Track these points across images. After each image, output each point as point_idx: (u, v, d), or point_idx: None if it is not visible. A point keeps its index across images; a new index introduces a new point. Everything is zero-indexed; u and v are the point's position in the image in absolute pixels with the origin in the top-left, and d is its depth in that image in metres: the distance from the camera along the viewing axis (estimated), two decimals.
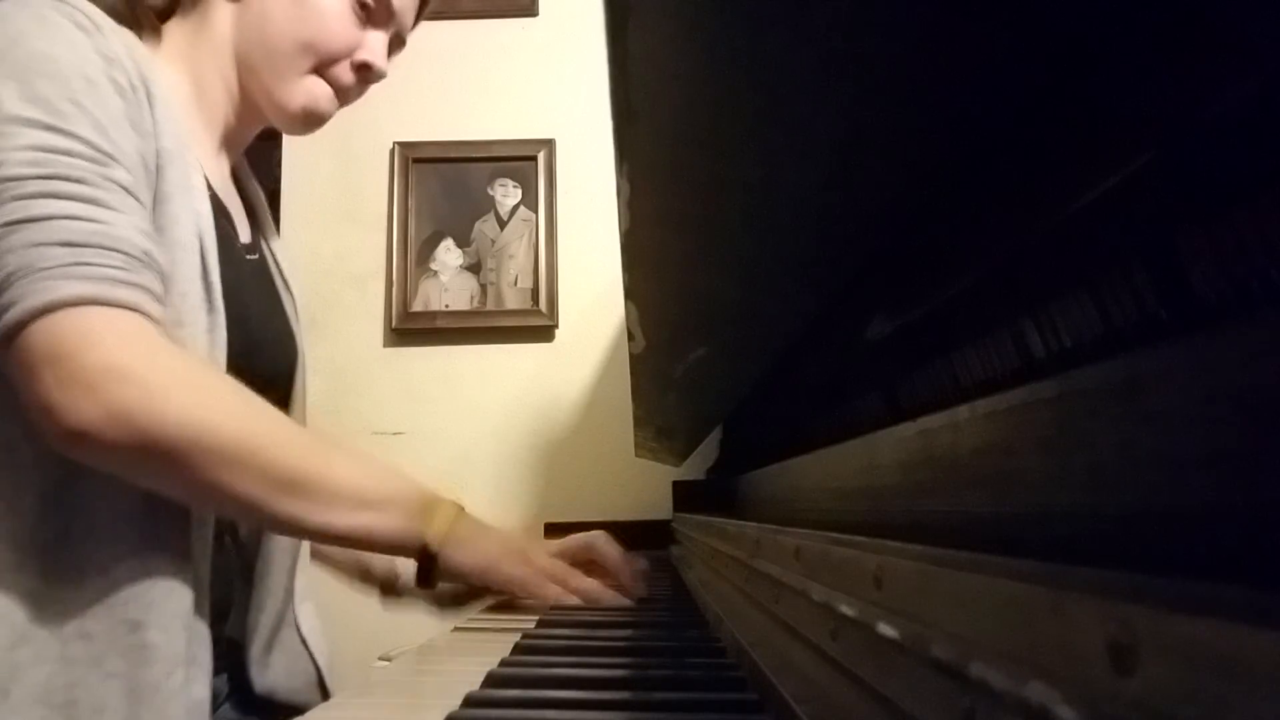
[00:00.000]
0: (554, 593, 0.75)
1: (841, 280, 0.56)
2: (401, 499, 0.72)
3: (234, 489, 0.64)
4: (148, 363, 0.63)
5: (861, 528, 0.35)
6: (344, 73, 0.85)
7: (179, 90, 0.81)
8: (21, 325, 0.60)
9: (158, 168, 0.70)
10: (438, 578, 0.73)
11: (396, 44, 0.91)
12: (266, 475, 0.65)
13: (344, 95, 0.87)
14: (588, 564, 0.79)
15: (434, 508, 0.73)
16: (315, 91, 0.84)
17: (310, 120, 0.86)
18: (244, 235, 0.87)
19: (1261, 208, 0.22)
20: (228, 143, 0.87)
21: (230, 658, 0.79)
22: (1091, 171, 0.29)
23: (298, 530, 0.73)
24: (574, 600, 0.75)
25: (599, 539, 0.80)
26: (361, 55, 0.85)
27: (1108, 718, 0.15)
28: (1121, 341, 0.28)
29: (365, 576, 0.98)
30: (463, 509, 0.75)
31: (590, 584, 0.76)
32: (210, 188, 0.78)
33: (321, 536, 0.73)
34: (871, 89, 0.34)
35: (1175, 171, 0.26)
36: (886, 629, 0.26)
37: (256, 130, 0.90)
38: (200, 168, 0.76)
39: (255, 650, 0.81)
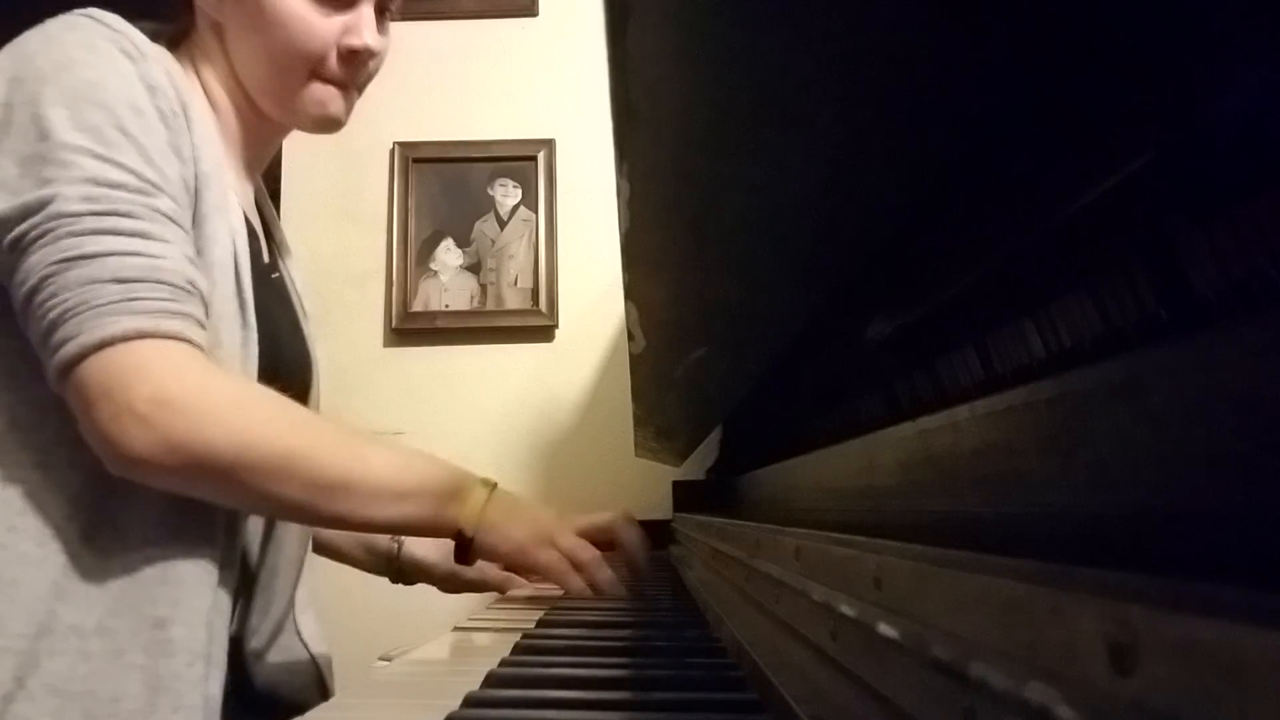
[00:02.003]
0: (576, 585, 0.78)
1: (841, 281, 0.56)
2: (434, 487, 0.75)
3: (283, 498, 0.69)
4: (195, 391, 0.66)
5: (861, 528, 0.35)
6: (336, 66, 0.83)
7: (208, 114, 0.82)
8: (78, 360, 0.63)
9: (196, 190, 0.73)
10: (475, 557, 0.77)
11: (384, 11, 0.87)
12: (312, 482, 0.69)
13: (348, 86, 0.85)
14: (608, 544, 0.83)
15: (466, 492, 0.76)
16: (320, 97, 0.83)
17: (329, 124, 0.85)
18: (265, 255, 0.88)
19: (1261, 208, 0.22)
20: (249, 165, 0.88)
21: (232, 658, 0.79)
22: (1091, 171, 0.29)
23: (346, 525, 0.77)
24: (589, 592, 0.78)
25: (621, 522, 0.84)
26: (345, 41, 0.83)
27: (1108, 718, 0.15)
28: (1121, 341, 0.28)
29: (371, 557, 1.04)
30: (495, 488, 0.78)
31: (608, 577, 0.79)
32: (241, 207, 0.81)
33: (367, 529, 0.80)
34: (871, 89, 0.34)
35: (1175, 171, 0.26)
36: (886, 629, 0.26)
37: (275, 147, 0.92)
38: (234, 187, 0.79)
39: (255, 648, 0.81)
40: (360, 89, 0.87)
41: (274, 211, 0.98)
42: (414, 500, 0.74)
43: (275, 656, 0.83)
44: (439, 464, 0.79)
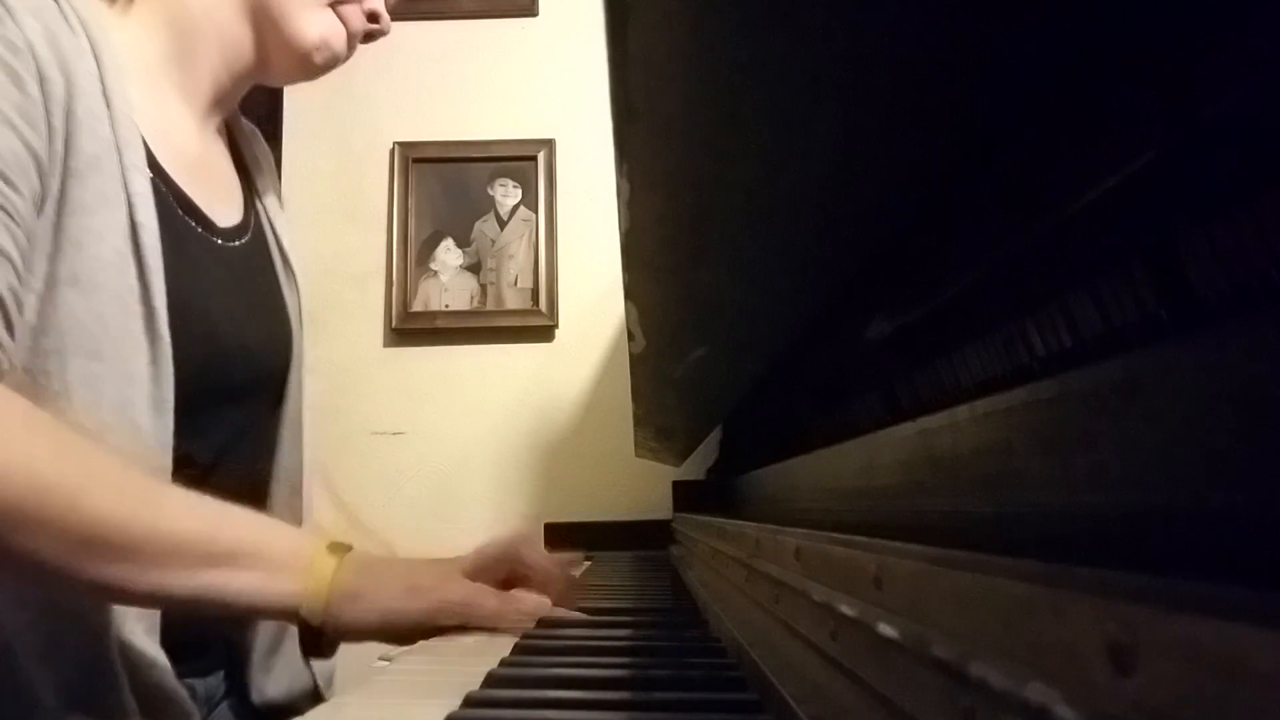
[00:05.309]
0: (487, 612, 0.61)
1: (841, 280, 0.56)
2: (256, 550, 0.59)
3: (29, 555, 0.52)
4: None
5: (861, 528, 0.35)
6: (355, 16, 0.82)
7: (146, 60, 0.74)
8: None
9: (69, 170, 0.62)
10: (330, 645, 0.61)
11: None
12: (66, 533, 0.53)
13: (351, 42, 0.83)
14: (511, 575, 0.67)
15: (310, 559, 0.60)
16: (333, 26, 0.81)
17: (323, 54, 0.81)
18: (228, 218, 0.80)
19: (1261, 208, 0.22)
20: (216, 104, 0.81)
21: (230, 658, 0.79)
22: (1091, 171, 0.29)
23: (124, 597, 0.59)
24: (507, 625, 0.61)
25: (520, 546, 0.68)
26: (370, 3, 0.82)
27: (1108, 718, 0.15)
28: (1121, 341, 0.28)
29: None
30: (348, 552, 0.62)
31: (520, 605, 0.63)
32: (165, 182, 0.72)
33: (157, 602, 0.61)
34: (871, 89, 0.34)
35: (1175, 171, 0.26)
36: (886, 629, 0.26)
37: (249, 86, 0.85)
38: (144, 167, 0.68)
39: (257, 656, 0.79)
40: (349, 54, 0.84)
41: (262, 152, 0.90)
42: (226, 567, 0.57)
43: (278, 670, 0.80)
44: (269, 524, 0.64)
